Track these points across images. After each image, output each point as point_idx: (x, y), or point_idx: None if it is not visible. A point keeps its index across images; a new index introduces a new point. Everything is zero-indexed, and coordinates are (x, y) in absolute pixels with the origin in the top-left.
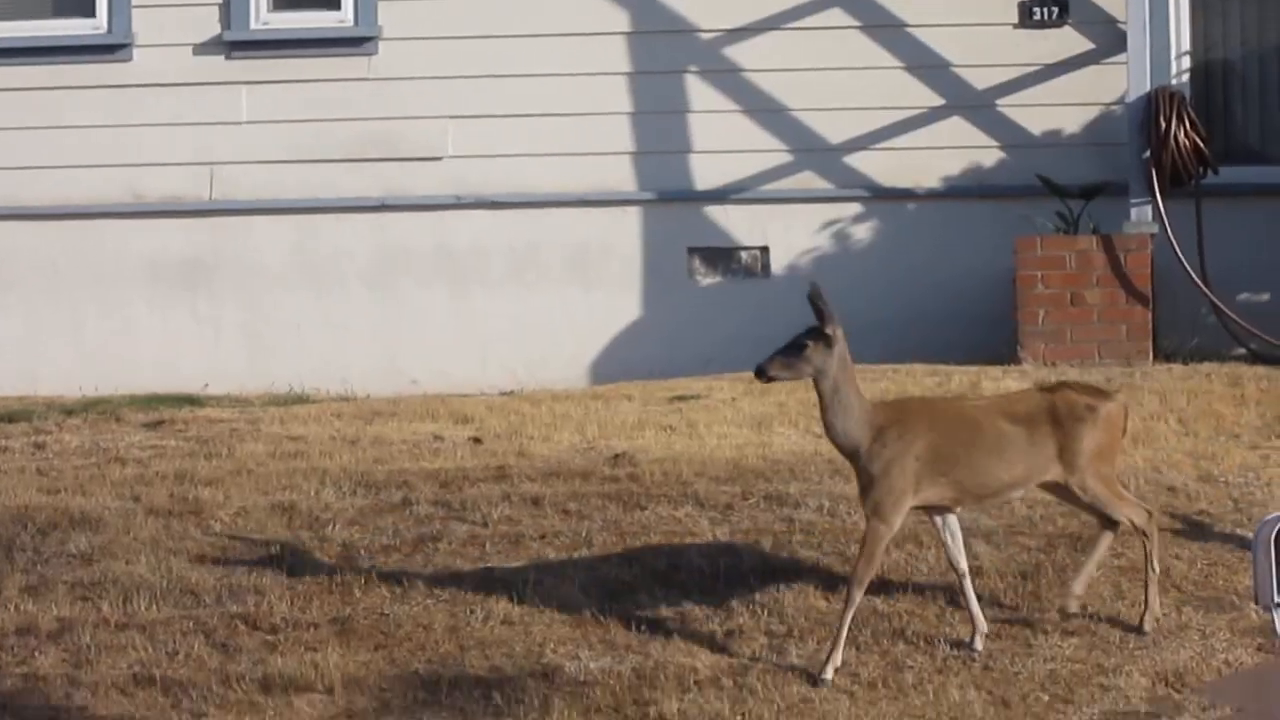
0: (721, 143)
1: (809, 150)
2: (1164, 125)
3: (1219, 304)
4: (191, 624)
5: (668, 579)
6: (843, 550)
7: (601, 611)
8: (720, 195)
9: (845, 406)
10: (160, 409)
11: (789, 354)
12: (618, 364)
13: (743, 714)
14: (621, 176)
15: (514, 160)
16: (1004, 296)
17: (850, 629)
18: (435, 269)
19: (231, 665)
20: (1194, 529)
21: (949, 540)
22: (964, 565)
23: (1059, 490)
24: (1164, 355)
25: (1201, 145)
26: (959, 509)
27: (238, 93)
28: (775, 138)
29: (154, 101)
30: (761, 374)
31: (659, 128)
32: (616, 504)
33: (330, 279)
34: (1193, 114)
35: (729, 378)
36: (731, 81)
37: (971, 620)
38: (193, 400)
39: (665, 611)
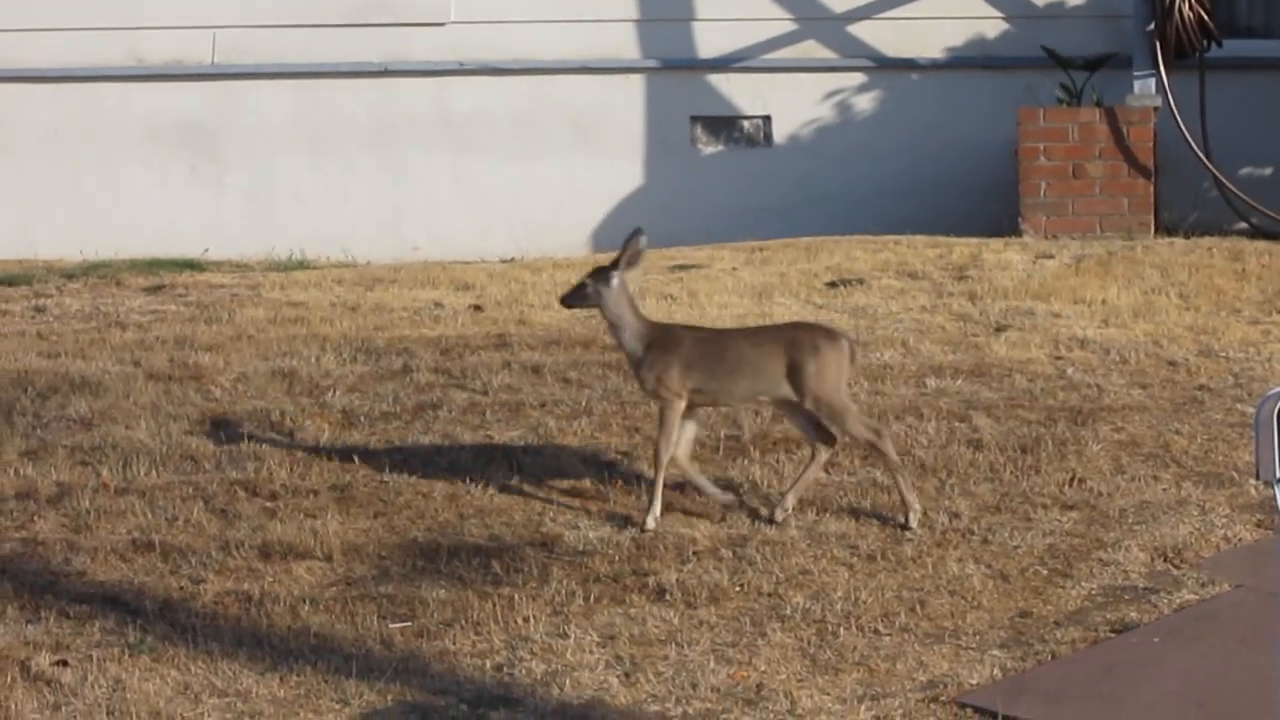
0: (725, 11)
1: (812, 19)
2: None
3: (1221, 178)
4: (191, 490)
5: None
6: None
7: (601, 481)
8: (723, 64)
9: None
10: (160, 273)
11: None
12: (619, 231)
13: (741, 585)
14: (625, 43)
15: (517, 26)
16: (1006, 168)
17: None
18: (437, 135)
19: (231, 531)
20: (1194, 404)
21: None
22: None
23: None
24: (1165, 229)
25: (1206, 18)
26: None
27: None
28: (779, 6)
29: None
30: None
31: None
32: (617, 373)
33: (332, 144)
34: None
35: (730, 247)
36: None
37: None
38: (193, 265)
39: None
